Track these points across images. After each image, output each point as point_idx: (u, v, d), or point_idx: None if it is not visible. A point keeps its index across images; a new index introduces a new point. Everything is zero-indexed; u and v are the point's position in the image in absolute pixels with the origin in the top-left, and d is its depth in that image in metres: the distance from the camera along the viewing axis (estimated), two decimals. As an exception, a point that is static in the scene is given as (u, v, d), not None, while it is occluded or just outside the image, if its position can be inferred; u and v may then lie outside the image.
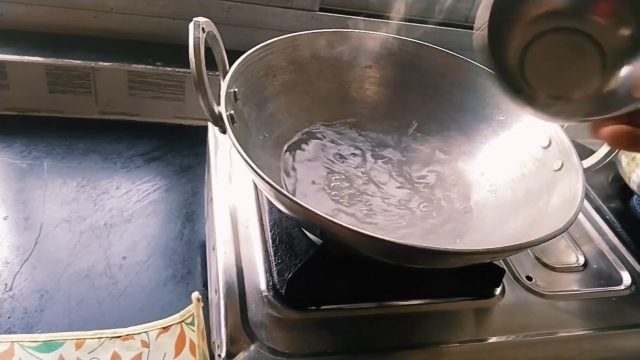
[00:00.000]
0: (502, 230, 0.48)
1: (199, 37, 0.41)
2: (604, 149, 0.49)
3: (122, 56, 0.81)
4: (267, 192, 0.41)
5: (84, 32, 0.83)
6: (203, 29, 0.42)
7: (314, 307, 0.46)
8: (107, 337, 0.55)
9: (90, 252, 0.64)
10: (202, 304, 0.54)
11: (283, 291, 0.46)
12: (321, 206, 0.50)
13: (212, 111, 0.42)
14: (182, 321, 0.56)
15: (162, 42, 0.85)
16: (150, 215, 0.70)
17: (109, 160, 0.77)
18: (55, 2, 0.79)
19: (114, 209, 0.70)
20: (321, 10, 0.88)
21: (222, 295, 0.45)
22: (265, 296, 0.46)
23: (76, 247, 0.65)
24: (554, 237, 0.39)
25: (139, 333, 0.56)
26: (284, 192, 0.37)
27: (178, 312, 0.56)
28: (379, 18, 0.90)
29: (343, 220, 0.38)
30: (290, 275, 0.45)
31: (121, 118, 0.84)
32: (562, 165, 0.49)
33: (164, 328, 0.56)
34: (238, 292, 0.45)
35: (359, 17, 0.89)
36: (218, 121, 0.43)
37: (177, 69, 0.81)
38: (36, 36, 0.80)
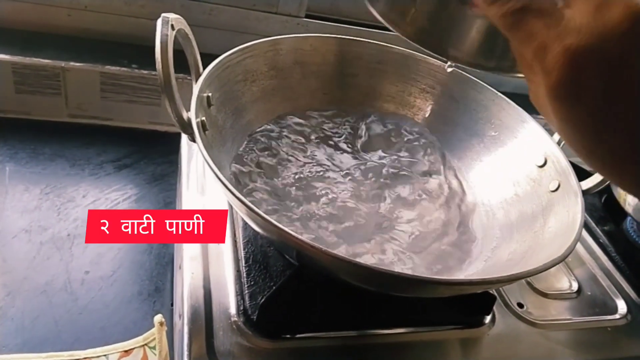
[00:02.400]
0: (494, 255, 0.45)
1: (167, 35, 0.37)
2: (605, 170, 0.45)
3: (95, 57, 0.76)
4: (237, 208, 0.37)
5: (55, 31, 0.78)
6: (172, 25, 0.38)
7: (288, 336, 0.42)
8: (62, 360, 0.51)
9: (49, 265, 0.60)
10: (165, 328, 0.50)
11: (255, 317, 0.42)
12: (299, 227, 0.46)
13: (180, 117, 0.38)
14: (146, 344, 0.52)
15: (138, 44, 0.80)
16: (118, 226, 0.65)
17: (76, 166, 0.73)
18: (25, -3, 0.75)
19: (78, 218, 0.65)
20: (307, 16, 0.85)
21: (186, 321, 0.40)
22: (235, 322, 0.42)
23: (35, 260, 0.60)
24: (552, 266, 0.36)
25: (98, 356, 0.52)
26: (255, 209, 0.33)
27: (142, 333, 0.52)
28: (367, 27, 0.87)
29: (322, 242, 0.34)
30: (263, 300, 0.41)
31: (92, 122, 0.80)
32: (559, 186, 0.46)
33: (125, 351, 0.52)
34: (204, 318, 0.41)
35: (346, 24, 0.86)
36: (187, 128, 0.39)
37: (154, 72, 0.77)
38: (4, 32, 0.76)
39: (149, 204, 0.70)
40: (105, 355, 0.52)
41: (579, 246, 0.61)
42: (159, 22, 0.38)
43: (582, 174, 0.48)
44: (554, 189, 0.46)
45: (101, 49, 0.78)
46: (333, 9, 0.87)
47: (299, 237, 0.33)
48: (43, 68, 0.73)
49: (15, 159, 0.71)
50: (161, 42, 0.37)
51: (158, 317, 0.51)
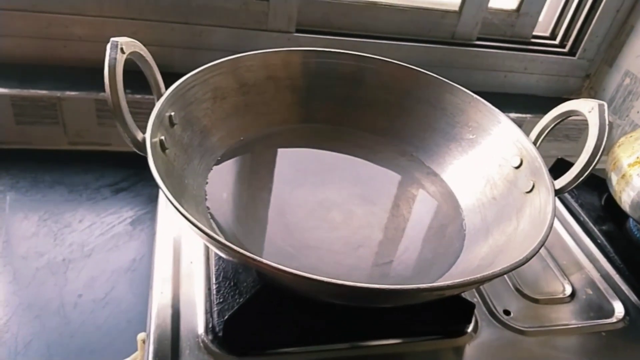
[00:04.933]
0: (465, 262, 0.43)
1: (115, 59, 0.37)
2: (577, 167, 0.43)
3: (90, 85, 0.78)
4: (192, 230, 0.37)
5: (53, 62, 0.80)
6: (122, 49, 0.38)
7: (256, 352, 0.41)
8: (51, 385, 0.51)
9: (44, 290, 0.61)
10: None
11: (221, 334, 0.41)
12: (262, 240, 0.45)
13: (134, 138, 0.39)
14: (132, 366, 0.52)
15: (132, 70, 0.82)
16: (112, 249, 0.67)
17: (74, 192, 0.74)
18: (23, 33, 0.78)
19: (74, 243, 0.67)
20: (298, 31, 0.85)
21: (151, 341, 0.40)
22: (202, 340, 0.41)
23: (30, 286, 0.61)
24: (513, 270, 0.34)
25: (86, 379, 0.52)
26: (198, 223, 0.33)
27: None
28: (360, 37, 0.87)
29: (288, 256, 0.33)
30: (227, 316, 0.41)
31: (92, 148, 0.81)
32: (533, 186, 0.45)
33: (112, 373, 0.52)
34: (171, 337, 0.41)
35: (338, 37, 0.86)
36: (142, 149, 0.39)
37: (147, 96, 0.78)
38: (2, 67, 0.78)
39: (143, 225, 0.70)
40: (92, 378, 0.52)
41: (575, 248, 0.58)
42: (108, 46, 0.38)
43: (562, 169, 0.45)
44: (528, 190, 0.45)
45: (96, 76, 0.80)
46: (324, 22, 0.86)
47: (247, 254, 0.32)
48: (40, 99, 0.76)
49: (16, 188, 0.73)
50: (109, 67, 0.38)
51: (140, 335, 0.51)
